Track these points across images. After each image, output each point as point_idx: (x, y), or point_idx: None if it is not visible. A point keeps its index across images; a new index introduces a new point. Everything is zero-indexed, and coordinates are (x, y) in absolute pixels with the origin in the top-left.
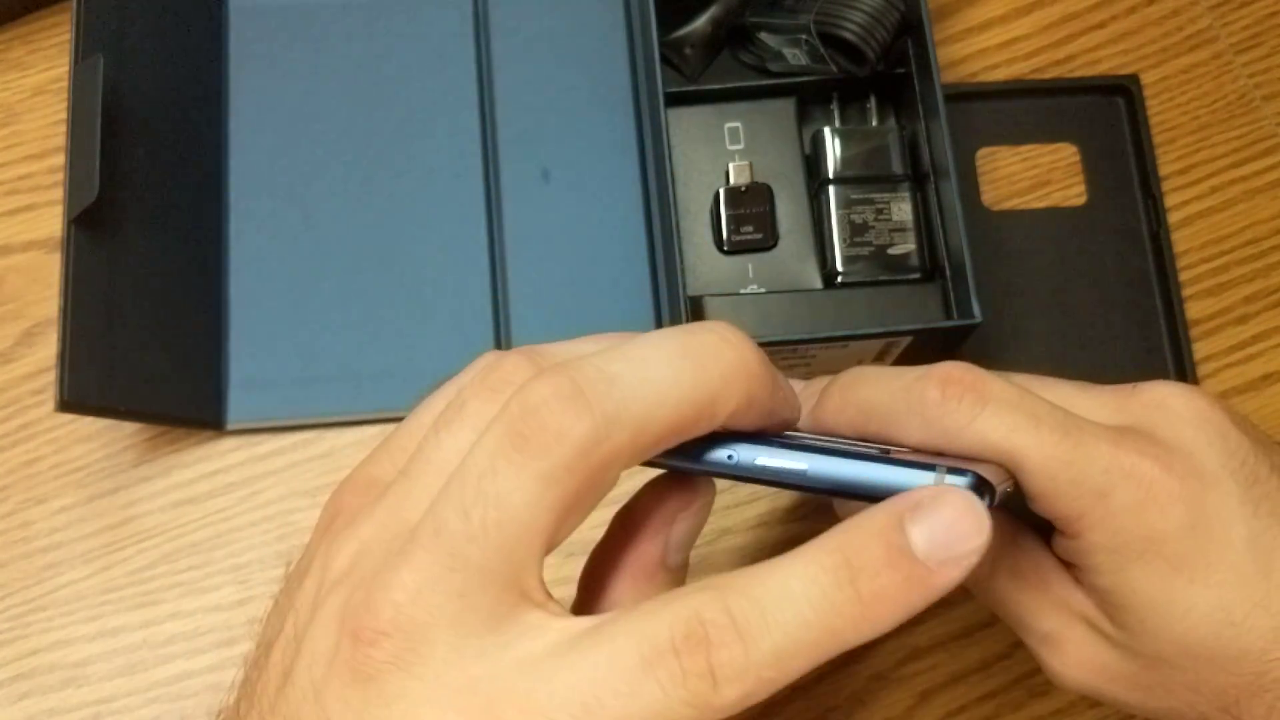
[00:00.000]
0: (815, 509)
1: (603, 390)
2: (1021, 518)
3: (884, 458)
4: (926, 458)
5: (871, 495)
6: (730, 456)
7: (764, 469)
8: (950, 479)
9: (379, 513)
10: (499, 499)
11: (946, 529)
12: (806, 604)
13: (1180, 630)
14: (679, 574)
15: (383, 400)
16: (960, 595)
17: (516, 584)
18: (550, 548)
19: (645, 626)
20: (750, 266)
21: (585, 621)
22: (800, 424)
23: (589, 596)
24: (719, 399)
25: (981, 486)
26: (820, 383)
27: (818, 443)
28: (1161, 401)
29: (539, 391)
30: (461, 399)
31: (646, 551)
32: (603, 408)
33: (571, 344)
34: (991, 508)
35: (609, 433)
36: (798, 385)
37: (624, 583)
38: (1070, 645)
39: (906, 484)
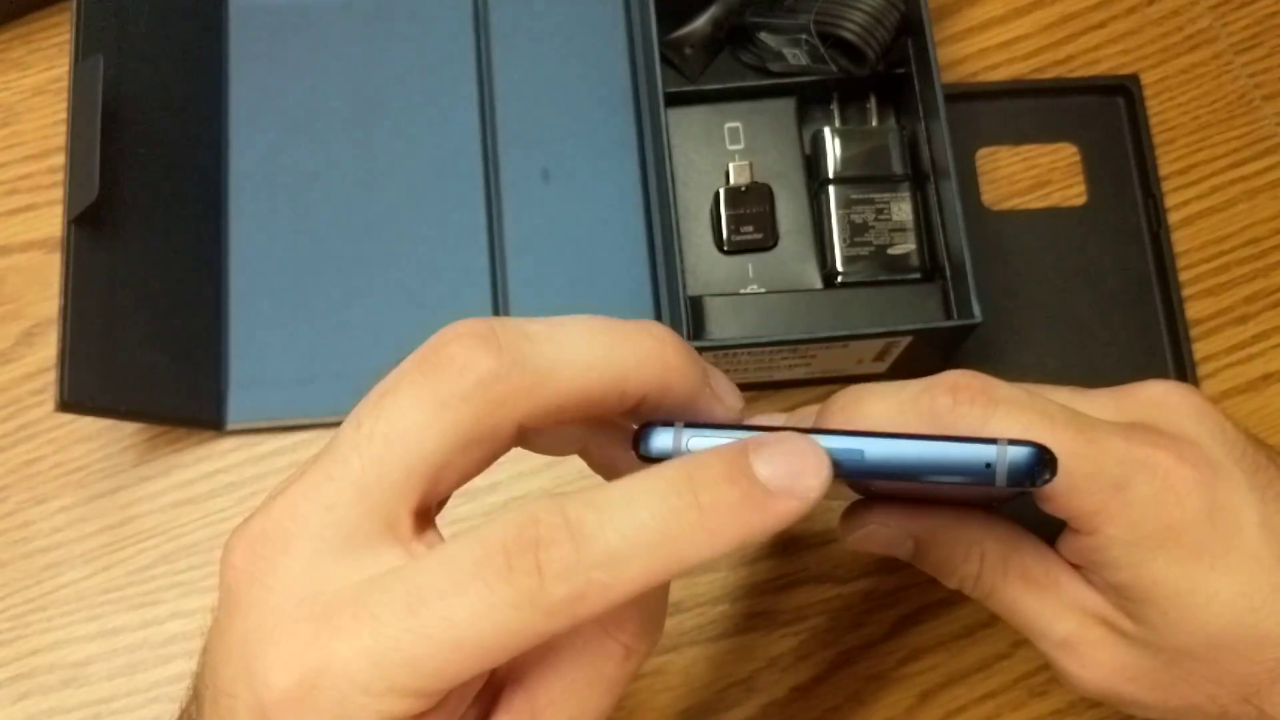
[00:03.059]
0: None
1: (515, 338)
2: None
3: (937, 435)
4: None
5: (932, 472)
6: None
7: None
8: (1013, 450)
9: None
10: (391, 414)
11: (787, 462)
12: (644, 508)
13: (1203, 619)
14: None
15: None
16: (961, 595)
17: (386, 510)
18: (437, 486)
19: (482, 533)
20: (750, 266)
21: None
22: None
23: None
24: (630, 378)
25: (1044, 455)
26: (807, 412)
27: (865, 428)
28: (1159, 398)
29: (455, 329)
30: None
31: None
32: (511, 353)
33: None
34: (1049, 482)
35: (510, 373)
36: (779, 419)
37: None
38: (1088, 647)
39: (969, 458)
